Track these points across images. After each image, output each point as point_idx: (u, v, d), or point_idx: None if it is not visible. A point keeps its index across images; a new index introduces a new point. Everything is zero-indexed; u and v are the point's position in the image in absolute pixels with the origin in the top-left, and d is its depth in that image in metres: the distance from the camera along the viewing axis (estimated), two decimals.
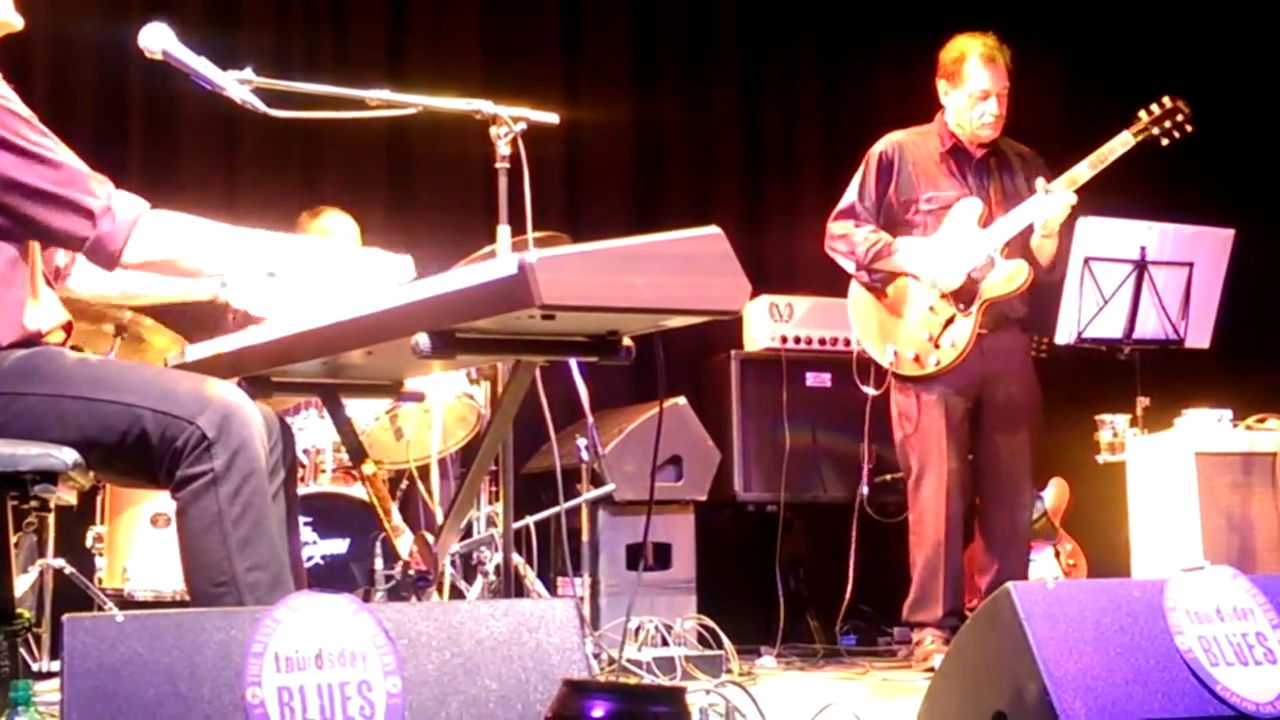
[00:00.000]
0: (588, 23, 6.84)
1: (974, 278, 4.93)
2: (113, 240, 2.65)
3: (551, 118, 3.41)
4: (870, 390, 5.22)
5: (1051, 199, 4.85)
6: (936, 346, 4.97)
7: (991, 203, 5.05)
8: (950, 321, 4.96)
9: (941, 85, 5.13)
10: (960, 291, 4.94)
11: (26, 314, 2.78)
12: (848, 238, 5.09)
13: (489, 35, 6.61)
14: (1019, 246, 4.98)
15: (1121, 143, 4.90)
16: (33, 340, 2.77)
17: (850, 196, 5.15)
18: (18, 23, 2.89)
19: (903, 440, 5.09)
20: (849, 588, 5.36)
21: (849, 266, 5.14)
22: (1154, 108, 4.95)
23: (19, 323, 2.74)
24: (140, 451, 2.63)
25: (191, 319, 4.06)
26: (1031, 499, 5.29)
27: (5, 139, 2.62)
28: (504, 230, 3.50)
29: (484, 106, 3.35)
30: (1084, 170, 4.86)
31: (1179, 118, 4.94)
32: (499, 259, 2.22)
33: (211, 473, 2.59)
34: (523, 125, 3.34)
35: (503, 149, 3.35)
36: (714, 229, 2.32)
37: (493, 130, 3.35)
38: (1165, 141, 4.96)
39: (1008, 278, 4.93)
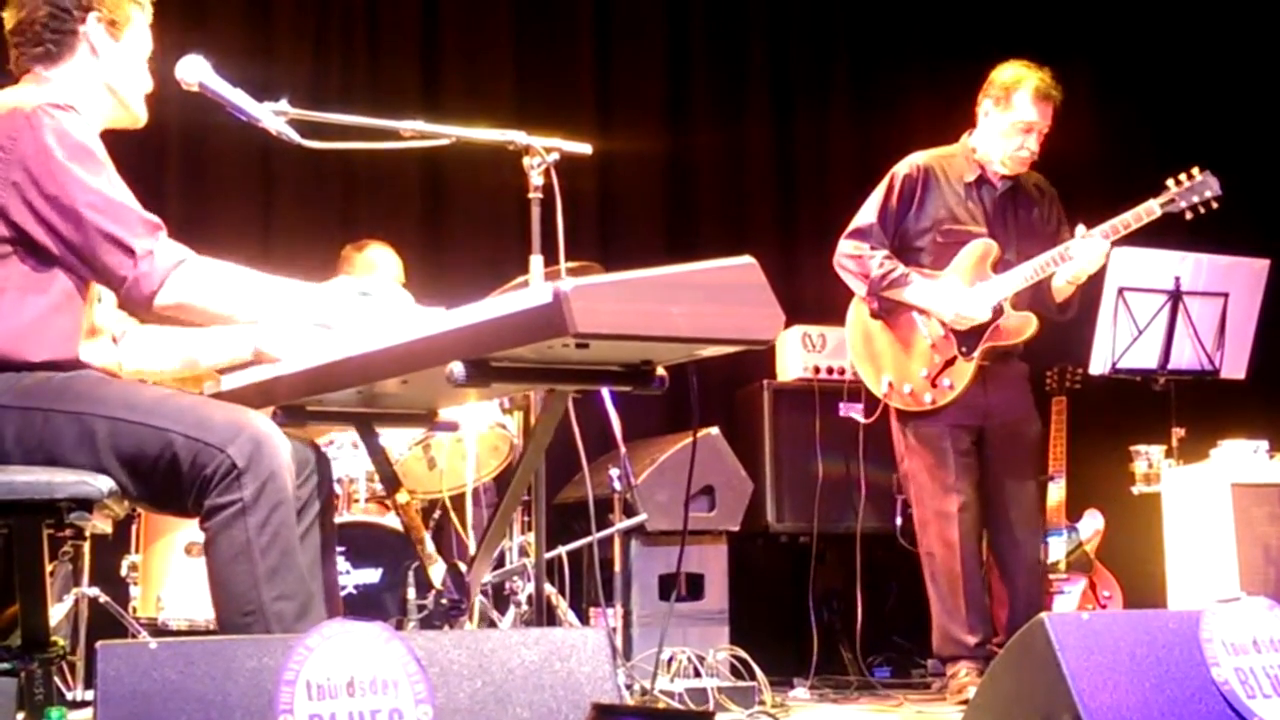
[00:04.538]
0: (620, 53, 6.87)
1: (985, 322, 4.88)
2: (149, 282, 2.70)
3: (584, 148, 3.42)
4: (859, 417, 5.17)
5: (1089, 244, 4.75)
6: (934, 386, 4.89)
7: (1005, 242, 4.96)
8: (950, 363, 4.89)
9: (985, 104, 5.01)
10: (965, 333, 4.88)
11: (79, 346, 2.80)
12: (862, 259, 4.97)
13: (522, 66, 6.64)
14: (1027, 292, 4.92)
15: (1146, 211, 4.80)
16: (74, 365, 2.78)
17: (868, 216, 5.02)
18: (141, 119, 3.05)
19: (905, 473, 5.02)
20: (859, 619, 5.32)
21: (859, 288, 5.02)
22: (1182, 178, 4.86)
23: (60, 346, 2.75)
24: (170, 477, 2.63)
25: None
26: (1041, 527, 5.21)
27: (63, 172, 2.68)
28: (537, 260, 3.51)
29: (517, 137, 3.37)
30: (1115, 227, 4.78)
31: (1206, 194, 4.84)
32: (534, 288, 2.22)
33: (240, 502, 2.59)
34: (555, 155, 3.35)
35: (536, 179, 3.37)
36: (748, 259, 2.33)
37: (526, 161, 3.36)
38: (1189, 216, 4.86)
39: (1015, 328, 4.88)
